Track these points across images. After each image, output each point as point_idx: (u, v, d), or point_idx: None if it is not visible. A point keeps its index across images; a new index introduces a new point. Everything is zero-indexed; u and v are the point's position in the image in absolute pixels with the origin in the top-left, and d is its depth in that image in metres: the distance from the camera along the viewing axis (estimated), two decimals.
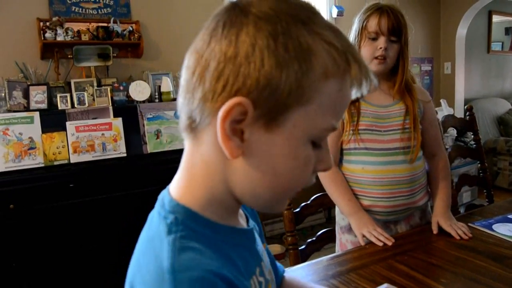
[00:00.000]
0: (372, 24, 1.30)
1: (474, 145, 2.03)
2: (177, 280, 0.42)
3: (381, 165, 1.34)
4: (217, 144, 0.46)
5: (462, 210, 1.79)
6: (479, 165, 2.04)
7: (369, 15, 1.31)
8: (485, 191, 1.98)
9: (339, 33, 0.48)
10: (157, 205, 0.52)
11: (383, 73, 1.36)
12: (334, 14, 3.63)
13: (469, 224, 1.33)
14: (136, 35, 2.67)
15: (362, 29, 1.32)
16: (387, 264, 1.10)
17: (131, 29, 2.66)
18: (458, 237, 1.26)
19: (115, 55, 2.62)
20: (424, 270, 1.06)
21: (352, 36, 1.37)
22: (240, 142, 0.46)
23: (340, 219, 1.45)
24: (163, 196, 0.52)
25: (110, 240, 2.28)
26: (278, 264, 0.78)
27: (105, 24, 2.62)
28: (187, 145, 0.51)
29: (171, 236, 0.46)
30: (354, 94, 0.50)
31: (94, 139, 2.31)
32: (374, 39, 1.30)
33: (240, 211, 0.59)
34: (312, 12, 0.47)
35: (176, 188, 0.52)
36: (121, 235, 2.28)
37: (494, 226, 1.32)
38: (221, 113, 0.44)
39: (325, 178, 1.40)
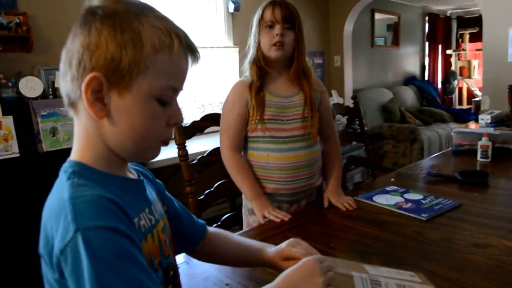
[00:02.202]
0: (267, 14, 1.42)
1: (359, 130, 2.27)
2: (74, 203, 0.56)
3: (284, 152, 1.46)
4: (89, 111, 0.62)
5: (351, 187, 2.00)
6: (364, 147, 2.28)
7: (265, 7, 1.44)
8: (369, 170, 2.22)
9: (166, 20, 0.65)
10: (61, 168, 0.65)
11: (283, 62, 1.48)
12: (231, 9, 3.74)
13: (355, 198, 1.51)
14: (24, 27, 2.51)
15: (260, 20, 1.44)
16: (284, 236, 1.21)
17: (18, 21, 2.49)
18: (344, 209, 1.43)
19: (1, 49, 2.45)
20: (316, 238, 1.20)
21: (252, 30, 1.47)
22: (102, 106, 0.61)
23: (247, 202, 1.54)
24: (66, 161, 0.66)
25: (2, 244, 2.15)
26: (200, 221, 0.93)
27: None
28: (74, 120, 0.66)
29: (70, 180, 0.60)
30: (190, 61, 0.67)
31: None
32: (271, 27, 1.42)
33: (132, 170, 0.75)
34: (144, 8, 0.64)
35: (72, 153, 0.67)
36: (17, 238, 2.16)
37: (375, 197, 1.52)
38: (83, 86, 0.60)
39: (229, 164, 1.49)
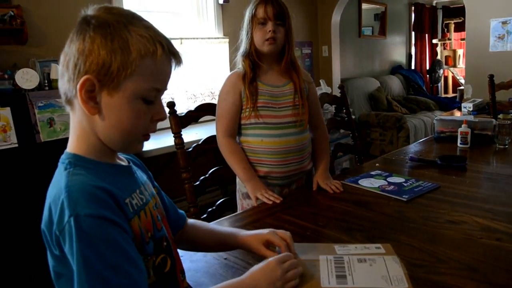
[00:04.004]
0: (260, 11, 1.51)
1: (346, 118, 2.37)
2: (69, 191, 0.65)
3: (276, 137, 1.56)
4: (83, 108, 0.71)
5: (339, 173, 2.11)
6: (351, 135, 2.38)
7: (257, 5, 1.53)
8: (356, 156, 2.33)
9: (152, 28, 0.73)
10: (60, 159, 0.74)
11: (275, 55, 1.58)
12: (221, 1, 3.79)
13: (342, 181, 1.61)
14: (18, 20, 2.55)
15: (252, 17, 1.53)
16: (276, 217, 1.33)
17: (12, 14, 2.53)
18: (332, 192, 1.53)
19: None
20: (305, 218, 1.31)
21: (244, 25, 1.57)
22: (94, 104, 0.70)
23: (242, 186, 1.64)
24: (64, 153, 0.75)
25: (1, 237, 2.23)
26: (180, 211, 1.03)
27: None
28: (70, 114, 0.75)
29: (67, 171, 0.70)
30: (173, 65, 0.76)
31: None
32: (263, 24, 1.52)
33: (123, 158, 0.84)
34: (131, 17, 0.72)
35: (69, 145, 0.76)
36: (16, 226, 2.23)
37: (360, 181, 1.63)
38: (78, 86, 0.69)
39: (223, 149, 1.59)
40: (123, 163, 0.82)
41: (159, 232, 0.81)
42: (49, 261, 0.71)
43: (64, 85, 0.72)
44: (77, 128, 0.75)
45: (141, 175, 0.86)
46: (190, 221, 1.05)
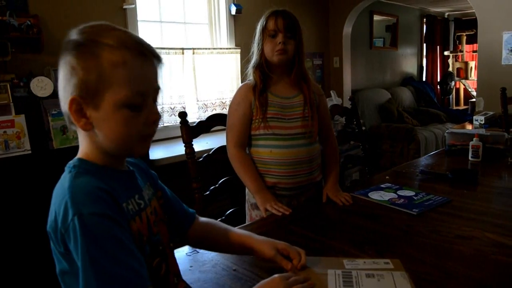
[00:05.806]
0: (271, 24, 1.53)
1: (357, 130, 2.37)
2: (72, 191, 0.69)
3: (286, 148, 1.57)
4: (77, 125, 0.75)
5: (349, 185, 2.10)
6: (361, 147, 2.38)
7: (268, 17, 1.56)
8: (366, 168, 2.32)
9: (120, 36, 0.74)
10: (67, 164, 0.78)
11: (285, 67, 1.59)
12: (233, 12, 3.83)
13: (351, 194, 1.61)
14: (35, 29, 2.61)
15: (263, 29, 1.56)
16: (285, 229, 1.33)
17: (29, 23, 2.59)
18: (341, 204, 1.53)
19: (13, 50, 2.54)
20: (314, 230, 1.31)
21: (256, 37, 1.59)
22: (86, 120, 0.74)
23: (250, 197, 1.65)
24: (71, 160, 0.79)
25: (14, 242, 2.25)
26: (190, 210, 1.05)
27: None
28: (77, 131, 0.79)
29: (70, 173, 0.74)
30: (155, 63, 0.77)
31: None
32: (274, 36, 1.53)
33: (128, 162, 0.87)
34: (101, 31, 0.75)
35: (78, 153, 0.80)
36: (28, 232, 2.26)
37: (370, 194, 1.62)
38: (66, 107, 0.74)
39: (233, 159, 1.60)
40: (126, 169, 0.85)
41: (155, 237, 0.83)
42: (55, 259, 0.74)
43: (63, 109, 0.76)
44: (83, 141, 0.79)
45: (142, 180, 0.88)
46: (203, 219, 1.06)
